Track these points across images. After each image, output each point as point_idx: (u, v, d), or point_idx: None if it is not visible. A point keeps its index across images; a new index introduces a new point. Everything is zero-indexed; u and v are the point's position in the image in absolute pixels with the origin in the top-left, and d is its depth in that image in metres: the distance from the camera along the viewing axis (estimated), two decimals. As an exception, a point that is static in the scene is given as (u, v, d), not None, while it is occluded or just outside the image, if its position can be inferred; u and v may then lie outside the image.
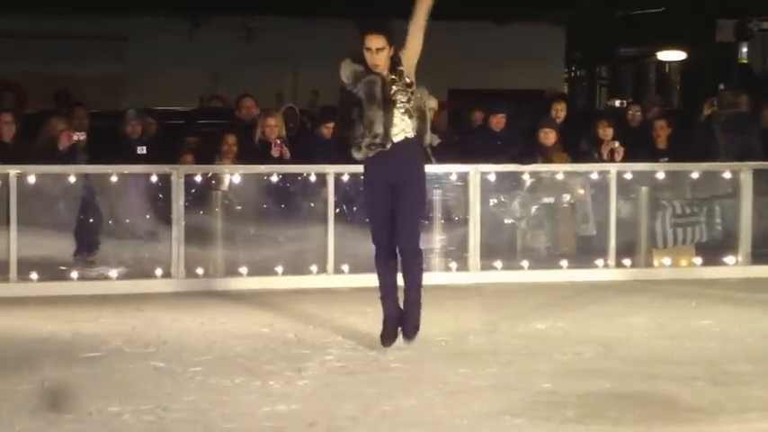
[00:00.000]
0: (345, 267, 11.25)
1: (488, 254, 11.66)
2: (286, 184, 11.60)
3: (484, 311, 10.02)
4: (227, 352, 8.37)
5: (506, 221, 12.04)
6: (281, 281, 11.25)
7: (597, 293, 10.93)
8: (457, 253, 11.70)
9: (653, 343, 8.74)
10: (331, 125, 12.15)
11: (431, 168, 11.57)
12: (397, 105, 8.09)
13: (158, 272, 11.15)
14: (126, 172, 11.26)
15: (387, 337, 8.21)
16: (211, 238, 11.35)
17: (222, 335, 8.98)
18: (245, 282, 11.20)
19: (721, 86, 16.02)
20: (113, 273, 11.15)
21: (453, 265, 11.66)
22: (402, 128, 8.11)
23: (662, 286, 11.31)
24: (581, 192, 12.18)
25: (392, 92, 8.09)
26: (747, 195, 12.09)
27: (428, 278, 10.96)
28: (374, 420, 6.66)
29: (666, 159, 12.32)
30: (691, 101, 16.63)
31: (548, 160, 12.19)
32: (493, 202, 11.90)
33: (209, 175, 11.43)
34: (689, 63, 23.15)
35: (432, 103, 12.44)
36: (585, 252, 12.01)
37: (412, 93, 8.15)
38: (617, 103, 22.90)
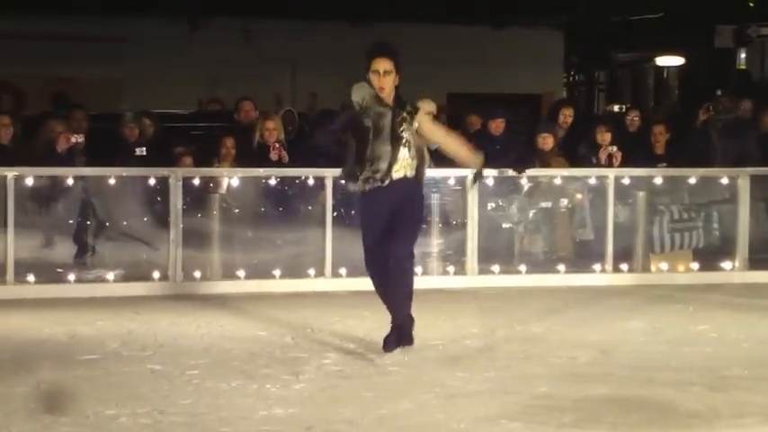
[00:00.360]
0: (343, 271, 11.25)
1: (486, 258, 11.66)
2: (284, 187, 11.59)
3: (481, 315, 10.03)
4: (224, 355, 8.37)
5: (504, 226, 12.05)
6: (278, 284, 11.25)
7: (594, 298, 10.94)
8: (454, 257, 11.70)
9: (650, 348, 8.74)
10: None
11: (429, 173, 11.64)
12: (403, 142, 8.07)
13: (156, 275, 11.15)
14: (124, 174, 11.25)
15: (390, 343, 8.20)
16: (209, 241, 11.35)
17: (219, 338, 8.99)
18: (242, 285, 11.20)
19: (719, 92, 16.02)
20: (110, 275, 11.14)
21: (451, 268, 11.66)
22: (403, 165, 8.10)
23: (659, 291, 11.30)
24: (579, 196, 12.19)
25: (401, 129, 8.07)
26: (745, 201, 12.10)
27: (425, 282, 11.09)
28: (371, 424, 6.66)
29: (664, 165, 12.33)
30: (689, 106, 16.62)
31: (546, 165, 12.20)
32: (491, 206, 11.91)
33: (208, 177, 11.43)
34: (687, 68, 23.16)
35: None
36: (583, 257, 12.01)
37: (416, 133, 8.15)
38: (616, 108, 22.94)
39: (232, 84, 18.28)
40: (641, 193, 12.05)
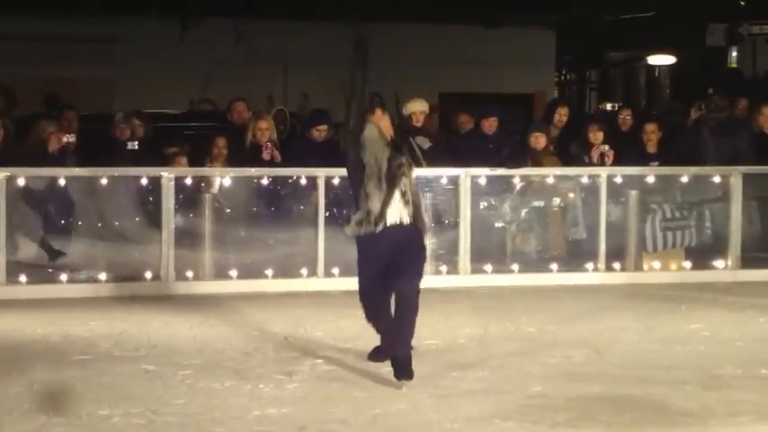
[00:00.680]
0: (336, 270, 11.24)
1: (478, 257, 11.67)
2: (276, 187, 11.59)
3: (474, 315, 10.03)
4: (217, 355, 8.37)
5: (496, 225, 12.05)
6: (271, 284, 11.24)
7: (587, 297, 10.94)
8: (447, 256, 11.70)
9: (643, 347, 8.76)
10: (322, 128, 12.13)
11: (421, 172, 11.66)
12: (399, 186, 7.75)
13: (148, 275, 11.13)
14: (116, 174, 11.23)
15: (376, 359, 8.01)
16: (201, 241, 11.33)
17: (212, 338, 8.98)
18: (235, 285, 11.18)
19: (711, 91, 16.03)
20: (103, 276, 11.12)
21: (444, 268, 11.66)
22: (397, 209, 7.75)
23: (652, 290, 11.32)
24: (571, 195, 12.19)
25: (399, 171, 7.77)
26: (737, 199, 12.11)
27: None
28: (365, 424, 6.67)
29: (657, 163, 12.33)
30: (681, 105, 16.62)
31: (538, 164, 12.19)
32: (483, 205, 11.90)
33: (200, 177, 11.41)
34: (679, 67, 23.16)
35: (422, 107, 12.55)
36: (575, 255, 12.02)
37: (414, 180, 7.91)
38: (609, 106, 22.92)
39: (224, 84, 18.26)
40: (634, 192, 12.06)
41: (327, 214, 11.25)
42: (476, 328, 9.42)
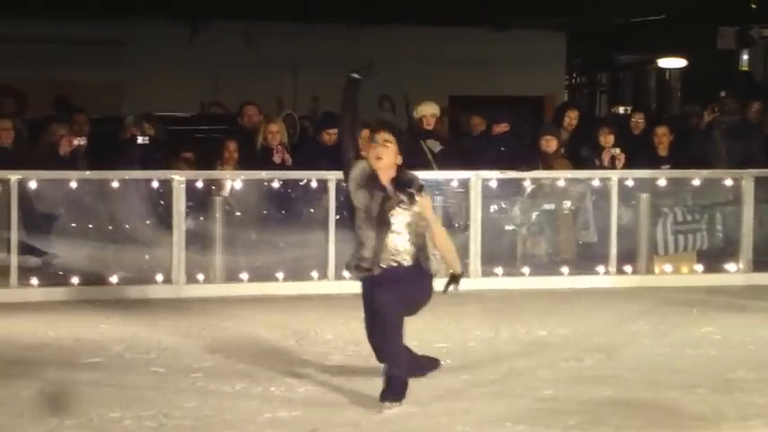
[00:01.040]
0: (346, 273, 11.18)
1: (489, 260, 11.66)
2: (287, 190, 11.59)
3: (485, 318, 10.02)
4: (227, 358, 8.37)
5: (507, 228, 12.04)
6: (281, 287, 11.25)
7: (598, 300, 10.93)
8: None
9: (654, 350, 8.73)
10: (333, 131, 12.10)
11: (432, 175, 11.66)
12: (393, 228, 7.19)
13: (159, 277, 11.14)
14: (127, 177, 11.25)
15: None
16: (212, 244, 11.34)
17: (223, 341, 8.98)
18: (245, 288, 11.19)
19: (722, 94, 16.00)
20: (114, 278, 11.13)
21: (454, 271, 11.63)
22: (393, 254, 7.22)
23: (663, 293, 11.30)
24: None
25: (392, 211, 7.19)
26: (749, 202, 12.10)
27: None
28: (375, 427, 6.66)
29: (668, 166, 12.31)
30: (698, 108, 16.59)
31: (549, 167, 12.18)
32: (494, 208, 11.90)
33: (210, 180, 11.42)
34: (689, 70, 23.13)
35: (433, 110, 12.55)
36: (586, 259, 12.00)
37: (416, 215, 7.25)
38: (621, 110, 22.88)
39: (233, 86, 18.28)
40: (645, 195, 12.04)
41: (338, 217, 11.23)
42: (486, 331, 9.41)
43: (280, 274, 11.29)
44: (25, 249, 11.01)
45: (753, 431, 6.63)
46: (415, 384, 7.42)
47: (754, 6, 20.52)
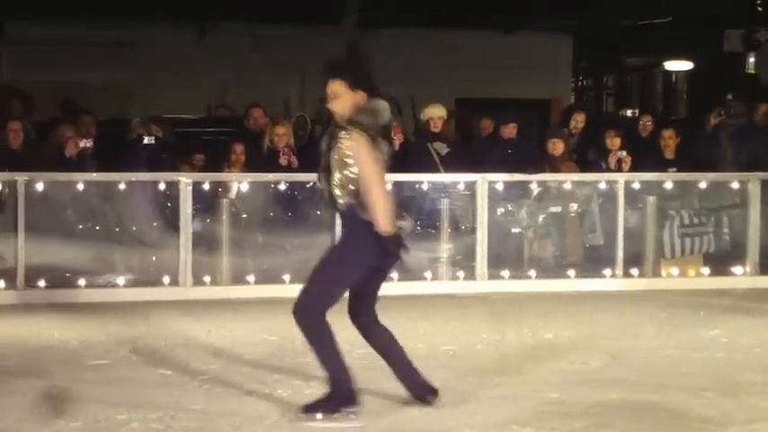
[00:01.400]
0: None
1: (496, 263, 11.66)
2: (294, 192, 11.60)
3: (491, 321, 10.01)
4: (234, 360, 8.37)
5: (514, 230, 12.04)
6: (288, 289, 11.19)
7: (605, 303, 10.92)
8: (464, 262, 11.70)
9: (661, 353, 8.72)
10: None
11: (438, 177, 11.67)
12: (332, 168, 6.69)
13: (166, 279, 11.16)
14: (134, 179, 11.26)
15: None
16: (219, 246, 11.35)
17: (229, 343, 8.98)
18: (252, 290, 11.20)
19: (729, 96, 16.00)
20: (120, 280, 11.15)
21: (461, 274, 11.66)
22: (332, 196, 6.79)
23: (670, 296, 11.29)
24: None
25: (330, 154, 6.66)
26: (755, 205, 12.09)
27: (435, 287, 11.10)
28: (382, 430, 6.66)
29: (674, 169, 12.31)
30: (698, 111, 16.59)
31: (555, 170, 12.18)
32: (500, 211, 11.90)
33: (217, 182, 11.43)
34: (696, 73, 23.13)
35: (440, 112, 12.55)
36: (593, 261, 12.00)
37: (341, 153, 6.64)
38: (628, 112, 22.88)
39: (241, 89, 18.30)
40: (651, 198, 12.03)
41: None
42: (493, 333, 9.40)
43: (286, 276, 11.28)
44: None
45: (759, 434, 6.63)
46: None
47: (760, 9, 20.53)
